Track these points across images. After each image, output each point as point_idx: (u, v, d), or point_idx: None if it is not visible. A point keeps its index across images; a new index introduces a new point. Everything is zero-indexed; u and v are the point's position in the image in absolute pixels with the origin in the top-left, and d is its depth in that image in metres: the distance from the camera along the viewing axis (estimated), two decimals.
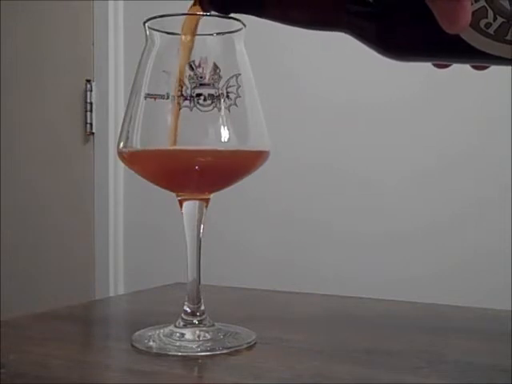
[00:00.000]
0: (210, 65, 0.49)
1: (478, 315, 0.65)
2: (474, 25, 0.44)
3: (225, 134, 0.49)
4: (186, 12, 0.50)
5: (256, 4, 0.49)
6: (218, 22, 0.51)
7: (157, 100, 0.49)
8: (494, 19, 0.44)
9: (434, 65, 0.51)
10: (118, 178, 1.84)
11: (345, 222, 1.56)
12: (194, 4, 0.50)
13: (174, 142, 0.50)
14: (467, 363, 0.47)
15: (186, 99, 0.48)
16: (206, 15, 0.50)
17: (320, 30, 0.50)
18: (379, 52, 0.48)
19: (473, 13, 0.42)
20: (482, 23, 0.44)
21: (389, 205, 1.52)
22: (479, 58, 0.46)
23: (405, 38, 0.47)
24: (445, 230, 1.46)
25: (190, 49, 0.49)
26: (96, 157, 1.87)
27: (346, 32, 0.49)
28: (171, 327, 0.52)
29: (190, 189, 0.53)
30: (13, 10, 1.95)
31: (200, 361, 0.47)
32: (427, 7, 0.42)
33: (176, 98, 0.48)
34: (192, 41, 0.50)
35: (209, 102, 0.48)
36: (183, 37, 0.50)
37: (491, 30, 0.44)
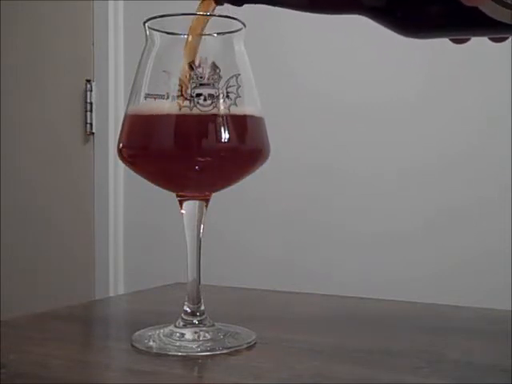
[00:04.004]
0: (210, 65, 0.49)
1: (478, 315, 0.65)
2: None
3: (225, 133, 0.49)
4: (188, 12, 0.50)
5: None
6: (218, 22, 0.51)
7: (157, 100, 0.49)
8: None
9: (452, 40, 0.51)
10: (117, 178, 1.84)
11: (345, 222, 1.56)
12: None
13: (174, 142, 0.50)
14: (467, 363, 0.47)
15: (186, 99, 0.48)
16: (206, 15, 0.50)
17: (335, 13, 0.49)
18: (397, 31, 0.48)
19: None
20: None
21: (389, 205, 1.52)
22: (498, 29, 0.46)
23: (423, 13, 0.47)
24: (445, 230, 1.46)
25: (196, 49, 0.49)
26: (96, 157, 1.87)
27: (361, 13, 0.48)
28: (171, 327, 0.52)
29: (190, 189, 0.53)
30: (13, 10, 1.95)
31: (200, 361, 0.47)
32: None
33: (176, 98, 0.48)
34: (199, 41, 0.50)
35: (209, 102, 0.48)
36: (189, 37, 0.50)
37: (510, 0, 0.44)
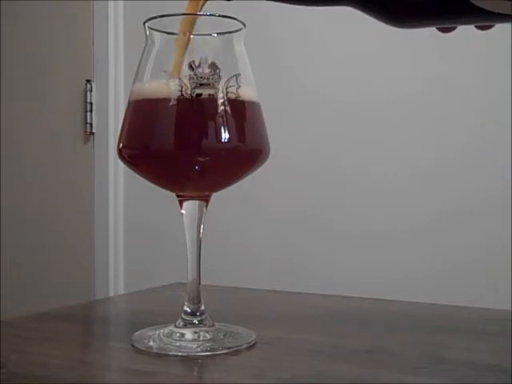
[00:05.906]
0: (210, 65, 0.49)
1: (478, 315, 0.65)
2: None
3: (224, 133, 0.49)
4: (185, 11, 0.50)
5: None
6: (218, 22, 0.51)
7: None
8: None
9: (439, 29, 0.51)
10: (117, 178, 1.84)
11: (345, 222, 1.56)
12: None
13: (174, 142, 0.49)
14: (467, 363, 0.46)
15: (186, 99, 0.48)
16: (206, 15, 0.50)
17: (323, 4, 0.49)
18: (384, 20, 0.48)
19: None
20: None
21: (389, 204, 1.52)
22: (483, 17, 0.46)
23: (411, 3, 0.47)
24: (445, 230, 1.46)
25: (186, 46, 0.49)
26: (96, 157, 1.87)
27: (349, 4, 0.48)
28: (171, 327, 0.52)
29: (190, 188, 0.53)
30: (13, 10, 1.95)
31: (200, 361, 0.47)
32: None
33: (176, 98, 0.48)
34: (189, 38, 0.49)
35: (209, 102, 0.48)
36: (180, 34, 0.50)
37: None
